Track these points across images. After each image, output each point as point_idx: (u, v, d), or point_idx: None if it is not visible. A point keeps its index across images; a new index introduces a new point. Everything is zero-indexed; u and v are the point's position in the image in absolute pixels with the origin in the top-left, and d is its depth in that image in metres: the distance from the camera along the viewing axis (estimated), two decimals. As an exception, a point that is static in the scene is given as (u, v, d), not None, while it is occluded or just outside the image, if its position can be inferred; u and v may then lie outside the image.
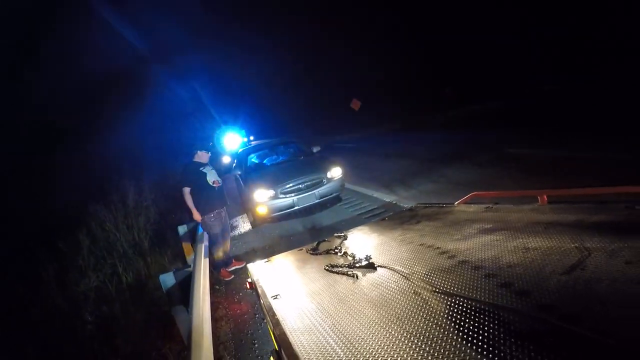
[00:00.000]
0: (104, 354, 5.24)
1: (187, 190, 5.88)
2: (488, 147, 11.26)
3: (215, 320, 5.01)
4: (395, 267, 2.15)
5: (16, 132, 16.22)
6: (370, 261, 2.34)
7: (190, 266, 5.29)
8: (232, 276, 6.39)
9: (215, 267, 6.29)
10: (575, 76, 16.57)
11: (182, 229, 7.56)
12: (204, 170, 5.99)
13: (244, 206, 9.88)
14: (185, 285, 4.70)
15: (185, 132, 23.08)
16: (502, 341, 1.23)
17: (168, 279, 4.96)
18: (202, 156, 6.08)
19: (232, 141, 12.36)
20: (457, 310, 1.52)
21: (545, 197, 2.69)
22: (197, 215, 5.95)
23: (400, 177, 10.11)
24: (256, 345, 4.29)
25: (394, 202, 8.15)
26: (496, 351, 1.20)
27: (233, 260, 6.69)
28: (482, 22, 23.50)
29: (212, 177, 6.04)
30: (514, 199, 3.03)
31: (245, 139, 16.83)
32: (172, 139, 22.50)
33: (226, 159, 11.33)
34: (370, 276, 2.17)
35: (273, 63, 41.55)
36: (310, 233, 7.41)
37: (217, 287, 6.07)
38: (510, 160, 9.20)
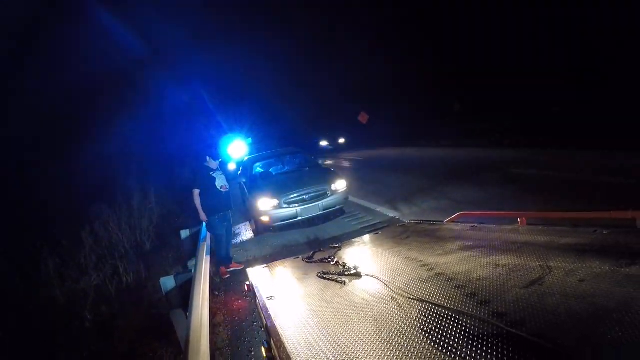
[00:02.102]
0: (100, 351, 5.38)
1: (196, 192, 6.27)
2: (493, 166, 11.33)
3: (213, 326, 5.09)
4: (379, 276, 2.36)
5: (21, 128, 16.38)
6: (358, 270, 2.55)
7: (191, 270, 5.40)
8: (228, 275, 6.68)
9: (216, 265, 6.62)
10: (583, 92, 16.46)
11: (184, 233, 7.68)
12: (213, 175, 6.39)
13: (247, 214, 9.92)
14: (185, 290, 4.75)
15: (193, 138, 23.32)
16: (458, 341, 1.45)
17: (169, 282, 5.04)
18: (211, 162, 6.46)
19: (238, 149, 12.52)
20: (426, 315, 1.74)
21: (524, 219, 2.86)
22: (203, 216, 6.33)
23: (404, 193, 10.13)
24: (252, 353, 4.36)
25: (397, 217, 8.14)
26: (452, 349, 1.41)
27: (233, 262, 6.93)
28: (493, 35, 23.53)
29: (220, 181, 6.42)
30: (499, 219, 3.19)
31: (251, 147, 17.09)
32: (179, 144, 22.77)
33: (231, 166, 11.48)
34: (357, 283, 2.39)
35: (283, 78, 42.00)
36: (311, 244, 7.43)
37: (217, 293, 6.18)
38: (513, 181, 9.24)
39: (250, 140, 17.14)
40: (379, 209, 9.18)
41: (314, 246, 7.27)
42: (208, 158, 6.41)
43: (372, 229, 7.67)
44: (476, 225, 3.11)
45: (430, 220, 3.86)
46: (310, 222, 8.46)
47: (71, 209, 11.68)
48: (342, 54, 38.91)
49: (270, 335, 1.97)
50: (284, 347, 1.78)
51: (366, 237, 3.84)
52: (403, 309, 1.84)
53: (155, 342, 5.07)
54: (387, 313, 1.84)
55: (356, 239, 3.75)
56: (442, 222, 3.63)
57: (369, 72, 34.91)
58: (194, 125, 27.88)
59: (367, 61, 35.83)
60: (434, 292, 1.93)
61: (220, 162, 6.60)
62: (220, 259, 6.65)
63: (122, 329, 5.68)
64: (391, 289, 2.10)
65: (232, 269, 6.80)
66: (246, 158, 11.22)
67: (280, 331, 1.92)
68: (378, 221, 8.13)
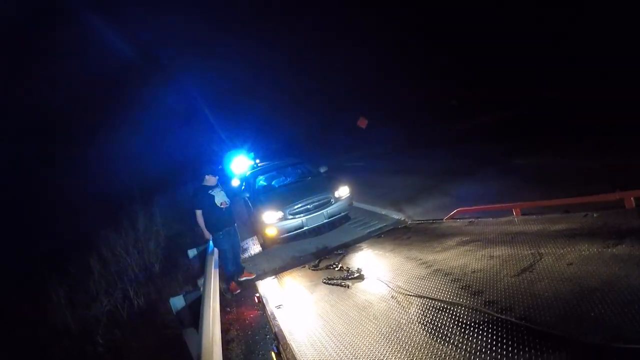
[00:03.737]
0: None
1: (199, 212, 6.40)
2: (495, 160, 11.29)
3: (226, 342, 5.12)
4: (380, 277, 2.44)
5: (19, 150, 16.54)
6: (361, 273, 2.64)
7: (200, 289, 5.42)
8: (239, 290, 6.65)
9: (226, 281, 6.65)
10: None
11: (191, 252, 7.71)
12: (212, 193, 6.45)
13: (253, 228, 9.93)
14: (196, 308, 4.80)
15: (193, 154, 23.46)
16: (452, 330, 1.57)
17: (178, 302, 5.08)
18: (210, 180, 6.55)
19: (241, 164, 12.56)
20: (423, 309, 1.84)
21: (519, 209, 2.92)
22: (207, 234, 6.45)
23: (408, 194, 10.07)
24: None
25: (403, 219, 8.09)
26: (446, 338, 1.52)
27: (244, 271, 6.99)
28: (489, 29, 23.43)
29: (219, 198, 6.47)
30: (495, 212, 3.24)
31: (253, 162, 17.16)
32: (180, 161, 22.91)
33: (235, 182, 11.52)
34: (359, 285, 2.48)
35: (281, 84, 42.15)
36: (320, 253, 7.36)
37: (229, 309, 6.20)
38: (516, 172, 9.21)
39: (252, 155, 17.17)
40: (384, 212, 9.18)
41: (321, 254, 7.29)
42: (206, 177, 6.51)
43: (376, 234, 7.71)
44: (473, 220, 3.18)
45: (430, 220, 3.94)
46: (317, 231, 8.45)
47: (77, 236, 11.78)
48: (331, 61, 38.91)
49: (278, 340, 2.08)
50: (290, 349, 1.87)
51: (370, 241, 3.93)
52: (402, 305, 1.93)
53: (169, 363, 5.10)
54: (387, 310, 1.93)
55: (360, 244, 3.87)
56: (442, 220, 3.70)
57: (362, 75, 34.93)
58: (194, 142, 28.02)
59: (358, 63, 35.80)
60: (431, 287, 2.02)
61: (218, 178, 6.67)
62: (229, 275, 6.68)
63: (135, 352, 5.72)
64: (391, 288, 2.18)
65: (244, 278, 6.83)
66: (248, 173, 11.25)
67: (287, 335, 2.02)
68: (384, 224, 8.08)
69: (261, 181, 10.39)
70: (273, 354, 2.31)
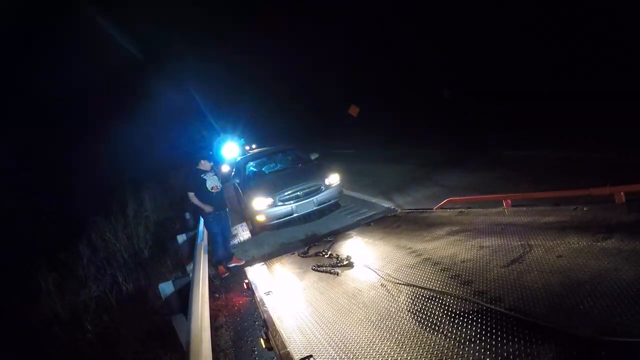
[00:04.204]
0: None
1: (191, 194, 6.47)
2: (485, 150, 11.32)
3: (215, 328, 5.12)
4: (370, 265, 2.44)
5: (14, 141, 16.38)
6: (351, 261, 2.63)
7: (189, 275, 5.41)
8: (228, 273, 6.79)
9: (214, 264, 6.75)
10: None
11: (181, 238, 7.69)
12: (204, 177, 6.52)
13: (243, 214, 9.91)
14: (185, 294, 4.75)
15: (185, 141, 23.33)
16: (441, 319, 1.57)
17: (167, 288, 5.07)
18: (204, 164, 6.60)
19: (231, 150, 12.51)
20: (412, 298, 1.84)
21: (509, 201, 2.93)
22: (207, 208, 6.49)
23: (398, 183, 10.08)
24: (256, 352, 4.34)
25: (392, 207, 8.09)
26: (435, 327, 1.52)
27: (233, 257, 7.09)
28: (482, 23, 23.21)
29: (211, 183, 6.56)
30: (485, 203, 3.26)
31: (249, 147, 17.14)
32: (172, 147, 22.82)
33: (225, 168, 11.48)
34: (349, 273, 2.48)
35: (272, 71, 41.89)
36: (309, 240, 7.31)
37: (217, 295, 6.21)
38: (507, 163, 9.23)
39: (242, 141, 17.12)
40: (374, 200, 9.21)
41: (311, 241, 7.27)
42: (201, 161, 6.56)
43: (365, 222, 7.71)
44: (463, 210, 3.19)
45: (420, 209, 3.95)
46: (307, 218, 8.47)
47: (67, 221, 11.70)
48: (324, 53, 38.65)
49: (267, 326, 2.07)
50: (279, 335, 1.86)
51: (359, 229, 3.92)
52: (391, 293, 1.93)
53: (159, 349, 5.03)
54: (377, 298, 1.93)
55: (350, 231, 3.84)
56: (432, 209, 3.71)
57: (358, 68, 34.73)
58: (187, 128, 27.91)
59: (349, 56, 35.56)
60: (421, 276, 2.02)
61: (213, 163, 6.69)
62: (217, 259, 6.78)
63: (124, 338, 5.69)
64: (381, 276, 2.19)
65: (233, 264, 6.94)
66: (239, 158, 11.19)
67: (276, 322, 2.02)
68: (373, 212, 8.10)
69: (251, 167, 10.35)
70: (262, 340, 2.31)
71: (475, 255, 2.07)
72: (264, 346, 2.31)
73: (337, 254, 2.92)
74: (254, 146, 19.02)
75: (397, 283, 2.03)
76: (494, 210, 2.87)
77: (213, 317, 5.10)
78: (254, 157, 10.82)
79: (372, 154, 18.00)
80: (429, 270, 2.08)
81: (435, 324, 1.53)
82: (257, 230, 8.74)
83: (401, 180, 10.35)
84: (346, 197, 9.65)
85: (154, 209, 12.85)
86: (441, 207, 3.69)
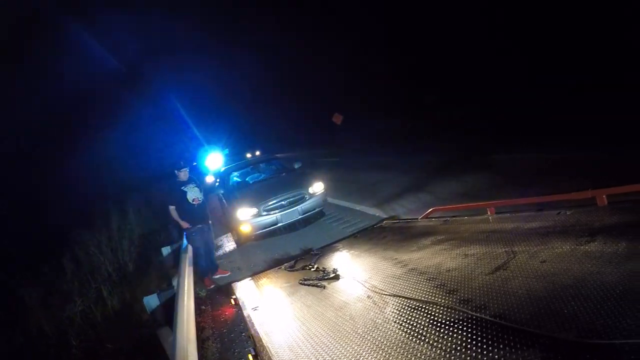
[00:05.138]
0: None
1: (172, 208, 6.30)
2: (470, 155, 11.35)
3: (202, 340, 5.06)
4: (356, 277, 2.45)
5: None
6: (337, 273, 2.65)
7: (174, 287, 5.35)
8: (213, 285, 6.64)
9: (199, 276, 6.56)
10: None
11: (165, 250, 7.61)
12: (184, 189, 6.36)
13: (228, 225, 9.85)
14: (170, 306, 4.72)
15: (168, 153, 23.21)
16: (427, 329, 1.59)
17: (152, 301, 5.00)
18: (180, 175, 6.41)
19: (215, 161, 12.47)
20: (398, 308, 1.85)
21: (493, 208, 2.97)
22: (184, 224, 6.33)
23: (383, 190, 10.15)
24: None
25: (378, 215, 8.10)
26: (421, 336, 1.54)
27: (219, 269, 6.98)
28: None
29: (192, 195, 6.40)
30: (470, 211, 3.30)
31: (249, 154, 17.22)
32: (156, 160, 22.65)
33: (209, 179, 11.43)
34: (335, 285, 2.49)
35: (255, 80, 41.99)
36: (295, 249, 7.34)
37: (203, 307, 6.15)
38: (491, 167, 9.27)
39: (227, 151, 17.09)
40: (359, 207, 9.22)
41: (297, 251, 7.27)
42: (176, 172, 6.37)
43: (350, 233, 7.71)
44: (448, 219, 3.23)
45: (405, 219, 4.01)
46: (292, 227, 8.45)
47: (49, 236, 11.53)
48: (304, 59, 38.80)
49: (254, 342, 2.07)
50: (267, 351, 1.86)
51: (345, 241, 3.95)
52: (378, 305, 1.94)
53: (145, 363, 5.03)
54: (363, 310, 1.94)
55: (336, 244, 3.88)
56: (417, 219, 3.75)
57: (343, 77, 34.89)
58: (168, 139, 27.76)
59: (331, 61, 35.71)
60: (407, 286, 2.04)
61: (192, 174, 6.56)
62: (202, 271, 6.61)
63: (110, 353, 5.62)
64: (367, 288, 2.20)
65: (218, 275, 6.82)
66: (223, 169, 11.15)
67: (264, 338, 2.02)
68: (358, 220, 8.11)
69: (235, 177, 10.34)
70: (250, 356, 2.30)
71: (460, 263, 2.10)
72: None
73: (323, 267, 2.95)
74: (257, 152, 19.26)
75: (383, 294, 2.05)
76: (478, 218, 2.91)
77: (199, 330, 5.05)
78: (237, 167, 10.80)
79: (356, 162, 18.03)
80: (415, 280, 2.10)
81: (422, 333, 1.54)
82: (242, 240, 8.67)
83: (385, 187, 10.39)
84: (331, 205, 9.66)
85: (138, 221, 12.71)
86: (426, 217, 3.73)
